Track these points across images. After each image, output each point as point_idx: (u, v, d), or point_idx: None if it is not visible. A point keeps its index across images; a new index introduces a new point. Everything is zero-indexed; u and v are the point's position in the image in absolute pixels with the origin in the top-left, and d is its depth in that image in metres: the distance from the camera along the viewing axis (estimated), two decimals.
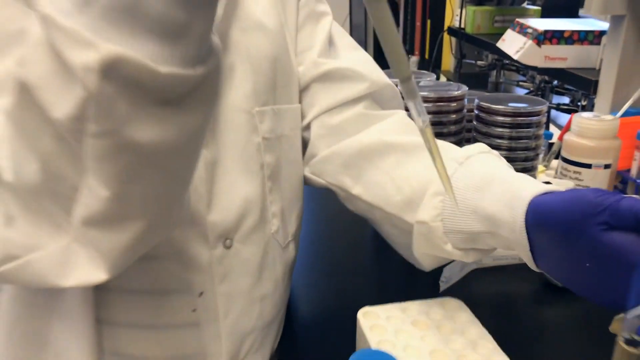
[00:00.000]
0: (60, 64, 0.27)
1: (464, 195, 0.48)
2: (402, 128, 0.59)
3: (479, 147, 0.53)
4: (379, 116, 0.60)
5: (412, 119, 0.42)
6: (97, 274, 0.35)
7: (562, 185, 0.70)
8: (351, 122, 0.59)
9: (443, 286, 0.59)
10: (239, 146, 0.51)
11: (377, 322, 0.52)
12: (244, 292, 0.52)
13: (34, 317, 0.48)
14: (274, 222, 0.55)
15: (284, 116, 0.56)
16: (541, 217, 0.42)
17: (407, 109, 0.42)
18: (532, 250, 0.43)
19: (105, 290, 0.47)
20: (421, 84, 0.85)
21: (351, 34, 0.85)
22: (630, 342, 0.34)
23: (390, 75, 0.62)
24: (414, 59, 2.06)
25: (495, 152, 0.54)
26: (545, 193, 0.43)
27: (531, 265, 0.45)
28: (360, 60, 0.62)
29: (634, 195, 0.74)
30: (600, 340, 0.39)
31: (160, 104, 0.29)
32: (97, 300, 0.47)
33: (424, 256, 0.54)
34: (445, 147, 0.55)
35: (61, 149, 0.31)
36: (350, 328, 0.55)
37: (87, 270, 0.35)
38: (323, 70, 0.58)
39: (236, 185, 0.51)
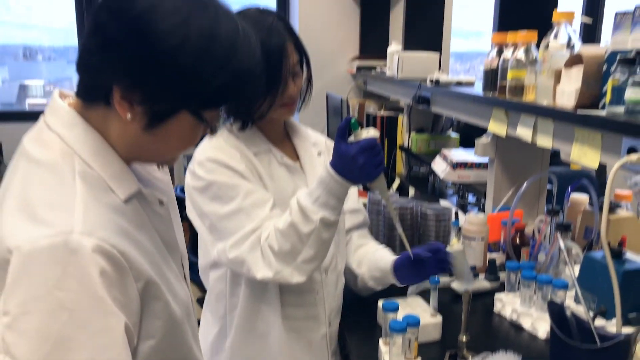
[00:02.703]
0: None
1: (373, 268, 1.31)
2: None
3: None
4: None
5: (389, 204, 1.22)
6: (299, 279, 1.12)
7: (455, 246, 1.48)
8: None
9: (410, 292, 1.36)
10: None
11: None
12: (332, 291, 1.28)
13: (255, 298, 1.21)
14: (339, 261, 1.31)
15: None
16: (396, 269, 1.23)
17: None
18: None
19: (283, 289, 1.22)
20: (393, 198, 1.65)
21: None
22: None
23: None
24: None
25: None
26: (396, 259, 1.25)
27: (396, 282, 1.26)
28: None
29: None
30: None
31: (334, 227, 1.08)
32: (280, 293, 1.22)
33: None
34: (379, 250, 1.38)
35: (301, 241, 1.08)
36: (371, 311, 1.31)
37: (296, 278, 1.11)
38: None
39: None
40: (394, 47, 2.65)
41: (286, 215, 1.13)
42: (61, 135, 0.73)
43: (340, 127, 1.09)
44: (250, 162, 1.22)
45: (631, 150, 1.11)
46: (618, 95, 1.14)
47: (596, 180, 2.30)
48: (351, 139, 1.09)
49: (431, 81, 2.07)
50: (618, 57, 1.13)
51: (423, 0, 2.61)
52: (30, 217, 0.66)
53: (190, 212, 1.23)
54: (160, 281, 0.74)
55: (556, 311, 1.05)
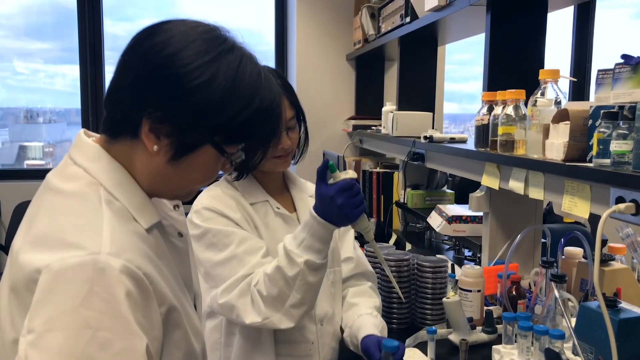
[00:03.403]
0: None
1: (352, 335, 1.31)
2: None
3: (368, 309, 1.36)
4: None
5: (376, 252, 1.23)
6: (288, 324, 1.12)
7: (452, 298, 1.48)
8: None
9: (407, 344, 1.35)
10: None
11: None
12: (327, 342, 1.27)
13: (249, 349, 1.21)
14: (336, 313, 1.31)
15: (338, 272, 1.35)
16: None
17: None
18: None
19: (277, 339, 1.21)
20: (385, 251, 1.67)
21: None
22: None
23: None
24: (373, 220, 2.92)
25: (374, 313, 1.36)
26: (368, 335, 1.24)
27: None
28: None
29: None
30: None
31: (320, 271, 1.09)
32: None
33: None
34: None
35: (288, 285, 1.09)
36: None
37: (284, 324, 1.12)
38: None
39: (322, 299, 1.28)
40: (389, 107, 2.73)
41: (275, 261, 1.15)
42: (86, 168, 0.76)
43: (318, 170, 1.13)
44: (247, 211, 1.25)
45: (619, 199, 1.15)
46: (604, 147, 1.18)
47: (590, 234, 2.32)
48: (330, 181, 1.13)
49: (425, 138, 2.13)
50: (602, 112, 1.19)
51: (416, 64, 2.71)
52: (60, 241, 0.68)
53: None
54: (181, 310, 0.76)
55: (553, 358, 1.05)
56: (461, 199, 2.49)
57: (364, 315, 1.34)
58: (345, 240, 1.44)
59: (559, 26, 3.46)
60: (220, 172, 0.88)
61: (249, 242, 1.19)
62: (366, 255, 1.53)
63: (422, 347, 1.37)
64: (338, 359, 1.34)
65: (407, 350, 1.36)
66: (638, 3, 3.88)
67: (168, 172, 0.78)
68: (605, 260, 1.61)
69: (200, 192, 1.27)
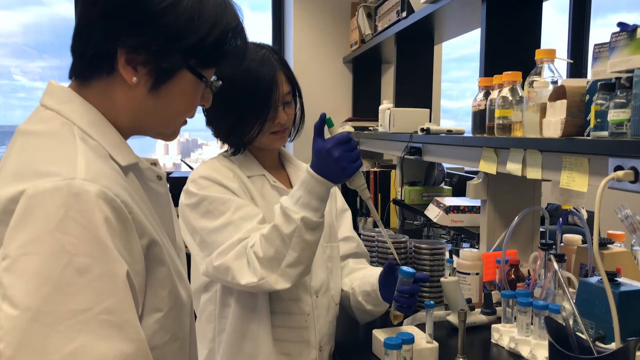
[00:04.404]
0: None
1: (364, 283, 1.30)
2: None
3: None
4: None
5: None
6: (284, 285, 1.10)
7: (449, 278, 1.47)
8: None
9: (406, 323, 1.33)
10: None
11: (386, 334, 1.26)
12: (323, 315, 1.25)
13: (244, 319, 1.18)
14: (331, 286, 1.29)
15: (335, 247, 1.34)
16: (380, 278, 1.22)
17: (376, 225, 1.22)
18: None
19: (274, 310, 1.19)
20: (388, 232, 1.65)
21: None
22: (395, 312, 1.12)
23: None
24: (370, 219, 2.91)
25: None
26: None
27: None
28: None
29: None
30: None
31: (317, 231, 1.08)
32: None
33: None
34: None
35: (284, 243, 1.07)
36: (366, 339, 1.27)
37: (280, 284, 1.10)
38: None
39: (318, 270, 1.26)
40: (386, 104, 2.73)
41: (271, 223, 1.13)
42: (58, 111, 0.75)
43: (316, 125, 1.13)
44: (243, 182, 1.24)
45: (618, 169, 1.14)
46: (601, 120, 1.18)
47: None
48: (327, 135, 1.12)
49: (422, 130, 2.12)
50: (599, 84, 1.18)
51: (413, 62, 2.72)
52: (33, 171, 0.65)
53: (183, 231, 1.23)
54: (163, 248, 0.74)
55: (554, 327, 1.03)
56: (459, 196, 2.48)
57: (376, 269, 1.37)
58: (343, 220, 1.43)
59: (556, 11, 3.47)
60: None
61: (245, 209, 1.18)
62: (361, 239, 1.52)
63: (420, 329, 1.35)
64: (335, 335, 1.32)
65: (405, 328, 1.34)
66: None
67: (150, 104, 0.77)
68: (604, 244, 1.60)
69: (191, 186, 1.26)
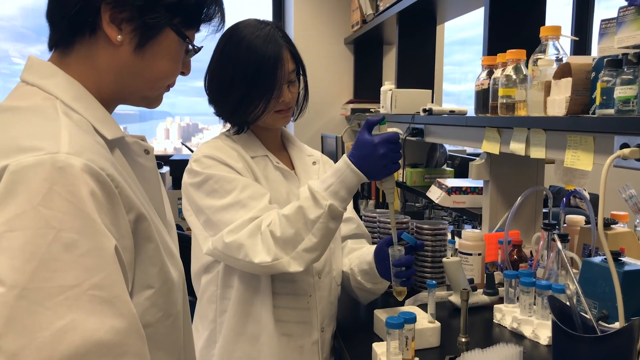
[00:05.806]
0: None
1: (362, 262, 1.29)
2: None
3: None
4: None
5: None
6: (297, 268, 1.09)
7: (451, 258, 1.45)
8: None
9: (407, 304, 1.32)
10: None
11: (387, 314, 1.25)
12: (325, 296, 1.24)
13: (247, 300, 1.18)
14: (333, 267, 1.28)
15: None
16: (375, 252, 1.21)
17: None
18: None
19: (276, 291, 1.18)
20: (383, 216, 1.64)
21: None
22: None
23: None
24: (372, 202, 2.89)
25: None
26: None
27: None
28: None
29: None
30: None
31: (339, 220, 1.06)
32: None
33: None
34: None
35: (307, 227, 1.06)
36: (368, 319, 1.27)
37: (293, 267, 1.09)
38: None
39: None
40: (388, 85, 2.70)
41: (294, 202, 1.12)
42: (40, 86, 0.73)
43: (370, 120, 1.12)
44: (247, 162, 1.22)
45: (624, 147, 1.12)
46: (607, 97, 1.15)
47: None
48: (375, 132, 1.11)
49: (424, 110, 2.10)
50: (605, 61, 1.16)
51: (415, 42, 2.68)
52: (15, 147, 0.63)
53: (186, 211, 1.21)
54: (152, 223, 0.72)
55: (557, 306, 1.02)
56: (461, 177, 2.46)
57: (370, 248, 1.36)
58: None
59: None
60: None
61: (252, 187, 1.17)
62: (362, 220, 1.51)
63: (422, 309, 1.34)
64: (337, 316, 1.31)
65: (407, 308, 1.33)
66: None
67: (135, 64, 0.76)
68: (608, 224, 1.58)
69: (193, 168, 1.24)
